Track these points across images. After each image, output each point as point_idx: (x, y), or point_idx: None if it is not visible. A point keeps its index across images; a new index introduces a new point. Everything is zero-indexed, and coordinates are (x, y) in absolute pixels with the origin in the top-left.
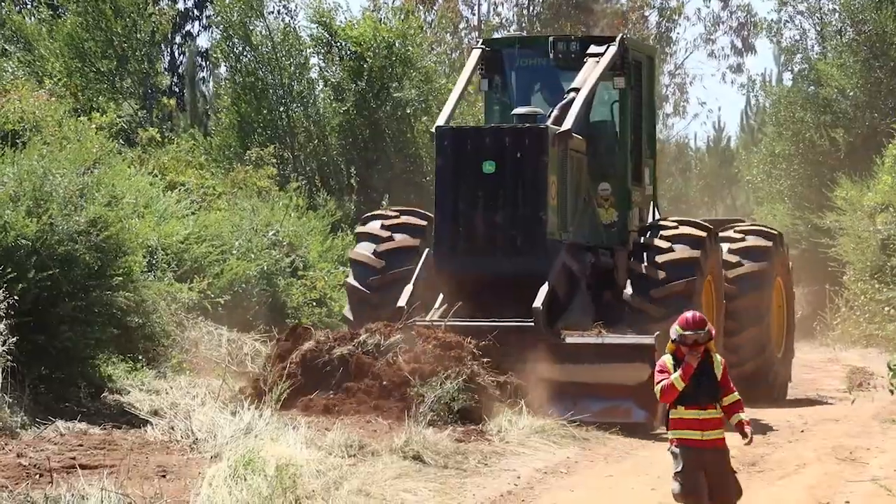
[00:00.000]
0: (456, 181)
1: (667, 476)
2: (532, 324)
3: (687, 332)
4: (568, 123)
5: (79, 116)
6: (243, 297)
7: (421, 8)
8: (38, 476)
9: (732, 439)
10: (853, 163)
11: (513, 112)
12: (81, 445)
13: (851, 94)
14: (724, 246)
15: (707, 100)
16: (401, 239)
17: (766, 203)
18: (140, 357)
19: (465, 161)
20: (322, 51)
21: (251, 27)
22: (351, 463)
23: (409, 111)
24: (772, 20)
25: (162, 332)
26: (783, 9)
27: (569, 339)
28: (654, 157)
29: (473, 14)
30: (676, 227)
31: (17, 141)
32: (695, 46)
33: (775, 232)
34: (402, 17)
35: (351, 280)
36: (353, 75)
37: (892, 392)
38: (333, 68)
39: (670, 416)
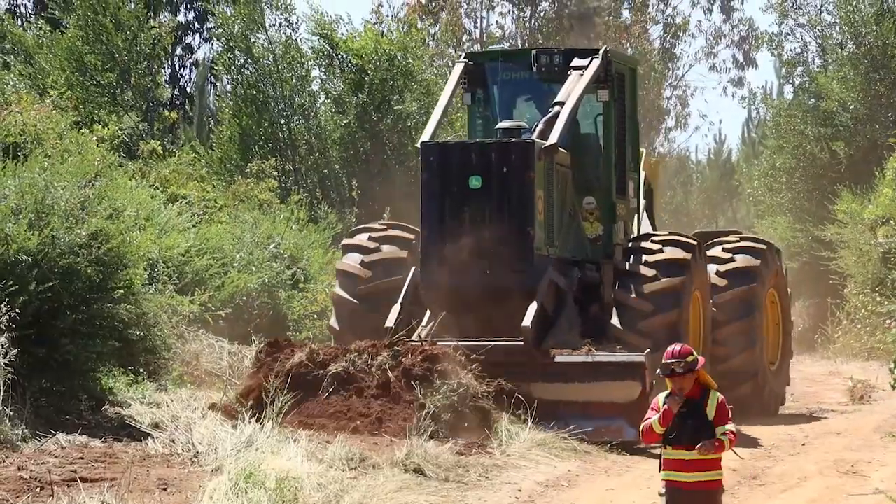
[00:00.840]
0: (442, 197)
1: None
2: (521, 343)
3: (665, 362)
4: (554, 137)
5: (80, 129)
6: (244, 309)
7: (425, 18)
8: (38, 489)
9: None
10: (854, 176)
11: (497, 126)
12: (82, 458)
13: (852, 107)
14: (713, 267)
15: (708, 112)
16: (389, 251)
17: (767, 216)
18: (141, 370)
19: (451, 176)
20: (323, 63)
21: (253, 40)
22: (352, 476)
23: (410, 124)
24: (773, 33)
25: (163, 344)
26: (784, 22)
27: (558, 358)
28: (638, 170)
29: (476, 27)
30: (661, 251)
31: (19, 154)
32: (696, 60)
33: (764, 247)
34: (405, 29)
35: (338, 290)
36: (354, 88)
37: (893, 388)
38: (335, 81)
39: (662, 456)
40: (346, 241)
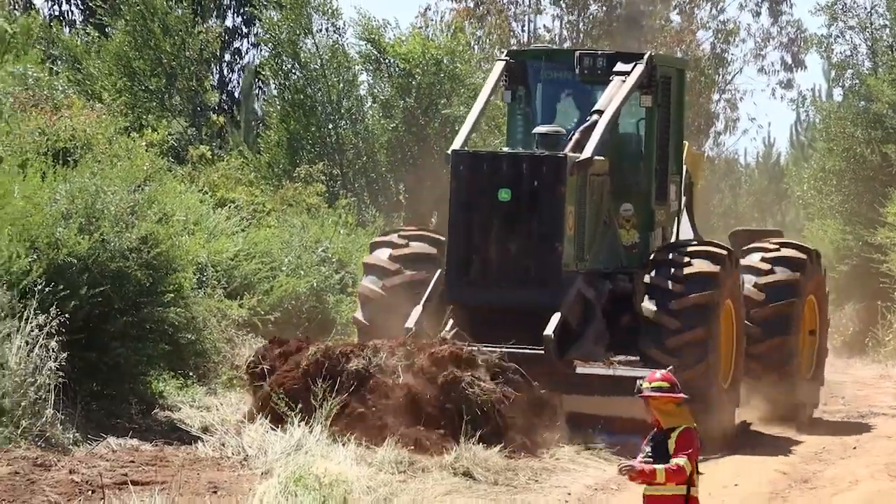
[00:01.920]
0: (470, 208)
1: (718, 493)
2: (542, 352)
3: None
4: (588, 151)
5: (130, 134)
6: (293, 313)
7: (472, 22)
8: (90, 492)
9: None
10: None
11: (534, 130)
12: (133, 462)
13: None
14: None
15: (757, 115)
16: (417, 246)
17: (817, 218)
18: (191, 373)
19: (480, 188)
20: (370, 68)
21: (300, 45)
22: (401, 479)
23: (457, 128)
24: (822, 36)
25: (212, 348)
26: (834, 24)
27: (579, 369)
28: (681, 172)
29: (524, 30)
30: (690, 264)
31: (69, 159)
32: (745, 62)
33: (804, 257)
34: (451, 33)
35: (365, 282)
36: (401, 92)
37: None
38: (382, 85)
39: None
40: (375, 239)
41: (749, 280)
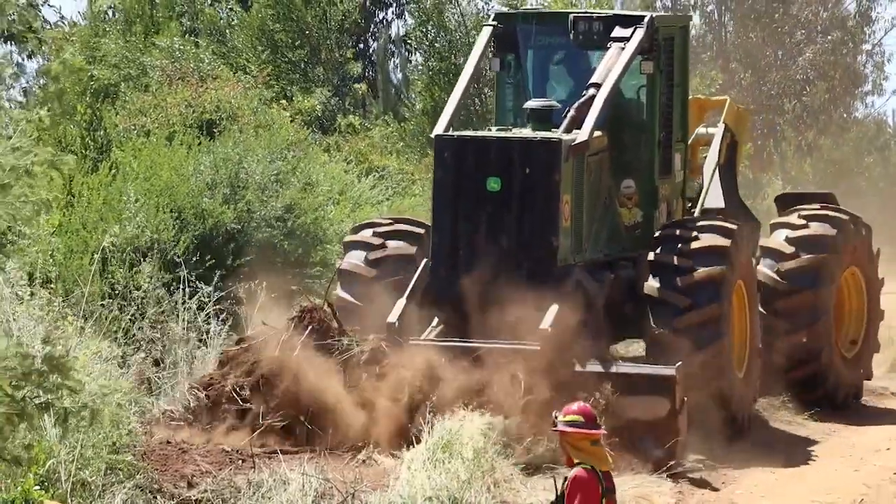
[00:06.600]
0: (456, 199)
1: (870, 457)
2: (539, 348)
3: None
4: (586, 131)
5: (272, 105)
6: None
7: None
8: (240, 461)
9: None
10: None
11: (525, 105)
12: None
13: None
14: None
15: None
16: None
17: None
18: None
19: (467, 177)
20: None
21: (445, 13)
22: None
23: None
24: None
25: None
26: None
27: (577, 368)
28: (686, 140)
29: None
30: (698, 238)
31: (214, 130)
32: (892, 23)
33: (832, 234)
34: (596, 0)
35: (339, 291)
36: None
37: None
38: None
39: None
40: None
41: (770, 265)
